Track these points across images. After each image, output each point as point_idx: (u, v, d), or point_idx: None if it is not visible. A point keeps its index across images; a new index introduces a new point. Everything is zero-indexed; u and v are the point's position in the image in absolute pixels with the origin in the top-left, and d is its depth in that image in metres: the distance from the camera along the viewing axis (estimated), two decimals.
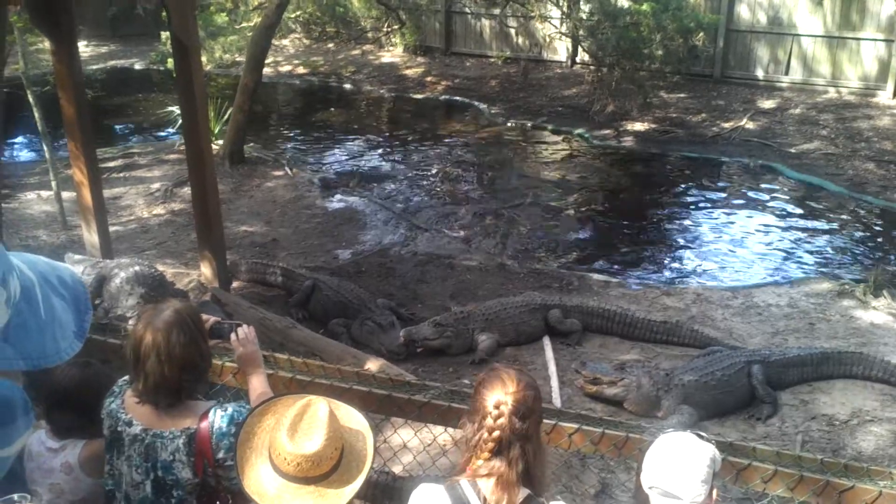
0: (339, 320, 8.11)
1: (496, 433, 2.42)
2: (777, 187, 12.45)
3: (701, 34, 14.46)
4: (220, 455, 2.65)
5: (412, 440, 4.20)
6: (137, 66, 19.32)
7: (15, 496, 2.47)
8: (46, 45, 9.27)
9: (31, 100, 9.89)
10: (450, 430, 3.66)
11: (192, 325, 2.73)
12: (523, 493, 2.46)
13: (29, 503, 2.43)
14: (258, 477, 2.43)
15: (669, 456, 2.63)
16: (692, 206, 12.03)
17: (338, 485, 2.41)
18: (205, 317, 2.98)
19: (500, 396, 2.45)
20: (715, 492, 2.63)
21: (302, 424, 2.40)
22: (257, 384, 3.03)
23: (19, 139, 14.30)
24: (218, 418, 2.68)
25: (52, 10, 7.28)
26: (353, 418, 2.62)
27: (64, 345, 0.94)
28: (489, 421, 2.44)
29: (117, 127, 15.61)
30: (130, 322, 4.46)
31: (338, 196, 11.81)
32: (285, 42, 20.66)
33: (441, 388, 3.65)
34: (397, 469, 4.47)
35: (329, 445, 2.39)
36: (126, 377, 2.85)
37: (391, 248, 10.09)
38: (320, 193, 11.80)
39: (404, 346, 7.62)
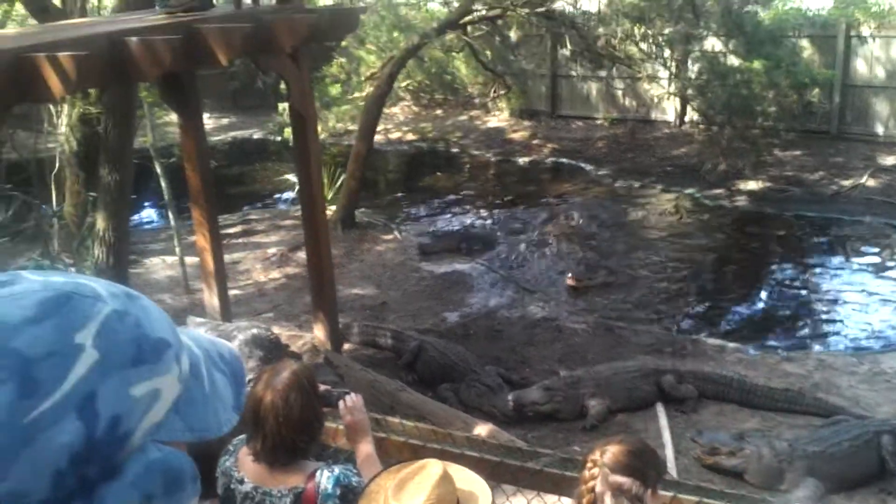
0: (447, 385, 8.12)
1: (590, 484, 2.48)
2: None
3: (816, 90, 14.09)
4: None
5: None
6: (256, 136, 20.24)
7: None
8: (173, 118, 9.84)
9: (158, 170, 10.49)
10: (564, 499, 3.58)
11: (308, 387, 2.79)
12: None
13: None
14: None
15: None
16: (811, 268, 11.55)
17: None
18: None
19: (597, 452, 2.53)
20: None
21: (410, 484, 2.45)
22: (364, 451, 3.05)
23: (147, 208, 15.16)
24: (324, 479, 2.71)
25: (180, 85, 7.76)
26: (474, 482, 2.64)
27: (224, 417, 0.98)
28: (584, 473, 2.51)
29: (237, 194, 16.34)
30: (249, 384, 4.59)
31: (444, 260, 11.91)
32: (395, 110, 21.27)
33: (554, 455, 3.58)
34: None
35: (441, 495, 2.43)
36: (241, 436, 2.92)
37: (498, 310, 10.09)
38: (418, 259, 11.92)
39: (514, 410, 7.55)
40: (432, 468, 2.51)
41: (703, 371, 7.91)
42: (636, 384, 7.78)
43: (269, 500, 2.73)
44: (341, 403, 3.05)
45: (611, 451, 2.48)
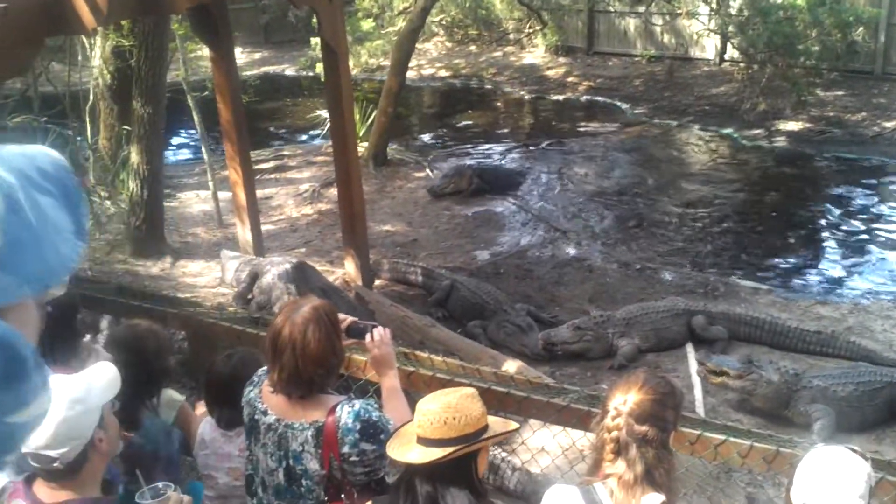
0: (476, 322, 8.16)
1: (613, 433, 2.45)
2: None
3: (861, 29, 13.63)
4: (345, 450, 2.70)
5: (550, 443, 4.17)
6: (288, 72, 20.13)
7: (160, 484, 2.63)
8: (205, 52, 9.80)
9: (190, 104, 10.50)
10: (589, 434, 3.61)
11: (328, 322, 2.80)
12: (654, 497, 2.40)
13: (173, 492, 2.58)
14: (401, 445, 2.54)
15: (824, 471, 2.49)
16: (849, 211, 11.33)
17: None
18: (342, 316, 3.06)
19: (619, 398, 2.48)
20: None
21: (439, 394, 2.57)
22: (389, 384, 3.08)
23: (180, 142, 15.23)
24: (345, 414, 2.73)
25: (211, 18, 7.71)
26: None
27: (66, 250, 0.79)
28: (607, 421, 2.47)
29: (269, 130, 16.34)
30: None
31: (473, 199, 11.82)
32: (428, 45, 20.99)
33: (580, 391, 3.61)
34: (535, 471, 4.46)
35: (459, 405, 2.47)
36: (264, 369, 2.96)
37: (529, 249, 10.06)
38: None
39: (544, 349, 7.58)
40: (464, 389, 2.60)
41: (734, 312, 7.86)
42: (666, 324, 7.76)
43: (290, 432, 2.78)
44: (368, 336, 3.07)
45: (633, 401, 2.44)
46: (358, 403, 2.78)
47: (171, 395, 3.67)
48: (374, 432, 2.72)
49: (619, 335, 7.67)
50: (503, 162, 13.68)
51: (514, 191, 12.10)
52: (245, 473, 3.00)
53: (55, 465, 2.28)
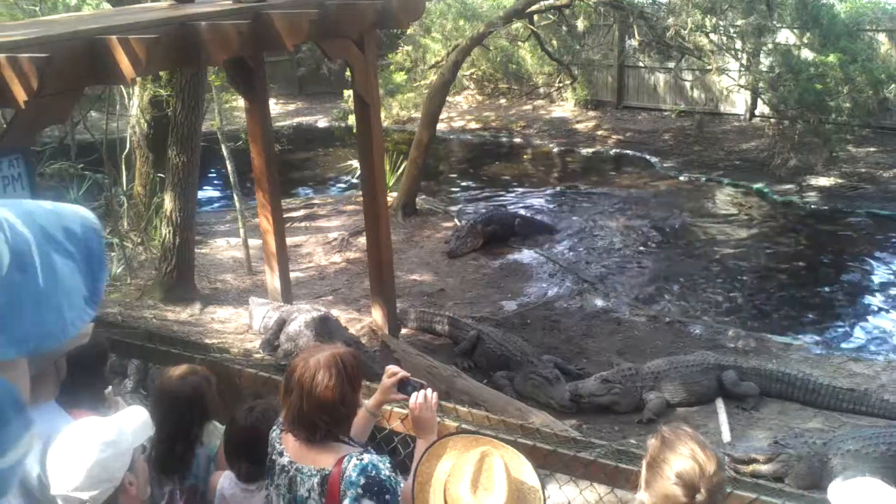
0: (503, 373, 8.11)
1: None
2: None
3: (893, 86, 13.57)
4: (346, 503, 2.63)
5: (577, 499, 4.09)
6: (321, 124, 20.44)
7: None
8: (241, 102, 10.00)
9: (224, 153, 10.69)
10: (617, 491, 3.55)
11: (343, 370, 2.75)
12: None
13: None
14: None
15: (860, 498, 2.41)
16: (882, 268, 11.18)
17: None
18: (395, 369, 3.03)
19: (694, 478, 2.29)
20: None
21: (482, 479, 2.42)
22: (424, 448, 3.02)
23: (213, 190, 15.47)
24: (351, 466, 2.67)
25: (247, 70, 7.89)
26: (525, 471, 2.62)
27: (71, 316, 0.76)
28: (681, 495, 2.29)
29: (300, 180, 16.54)
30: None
31: (503, 250, 11.84)
32: (459, 98, 21.26)
33: (608, 446, 3.55)
34: None
35: (509, 502, 2.41)
36: None
37: (556, 300, 10.02)
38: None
39: (571, 401, 7.50)
40: (495, 459, 2.51)
41: (765, 368, 7.74)
42: (696, 378, 7.65)
43: (299, 476, 2.76)
44: (414, 395, 3.02)
45: (710, 484, 2.27)
46: (367, 457, 2.70)
47: (215, 424, 3.69)
48: (379, 490, 2.62)
49: (647, 389, 7.57)
50: (531, 212, 13.69)
51: (542, 234, 12.23)
52: None
53: None
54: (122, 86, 10.42)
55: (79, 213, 0.84)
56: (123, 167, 11.19)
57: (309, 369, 2.73)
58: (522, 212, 13.34)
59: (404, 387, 3.05)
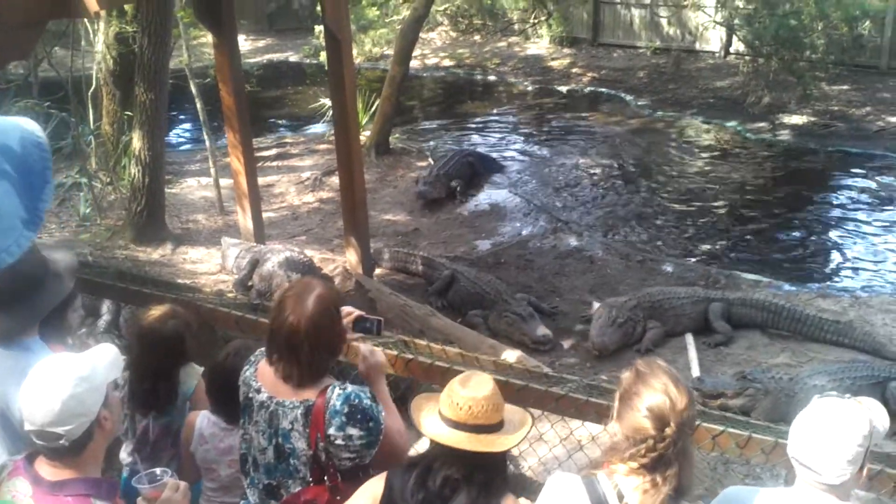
0: (477, 311, 8.16)
1: (659, 450, 2.29)
2: None
3: (867, 23, 13.57)
4: (331, 431, 2.69)
5: (548, 432, 4.16)
6: (292, 59, 20.07)
7: (157, 470, 2.63)
8: (209, 38, 9.78)
9: (193, 90, 10.48)
10: (587, 424, 3.60)
11: (330, 302, 2.81)
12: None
13: (170, 478, 2.59)
14: (433, 424, 2.51)
15: (817, 425, 2.43)
16: (852, 206, 11.31)
17: (502, 435, 2.50)
18: (348, 309, 3.05)
19: (665, 412, 2.30)
20: (866, 469, 2.42)
21: (472, 380, 2.54)
22: (379, 396, 2.96)
23: (182, 128, 15.20)
24: (335, 396, 2.72)
25: (215, 5, 7.68)
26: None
27: (6, 243, 0.69)
28: (651, 439, 2.29)
29: (272, 118, 16.29)
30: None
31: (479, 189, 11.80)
32: (432, 35, 20.93)
33: (579, 381, 3.59)
34: (532, 461, 4.46)
35: (497, 394, 2.51)
36: (262, 349, 2.95)
37: (530, 240, 10.05)
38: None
39: (547, 338, 7.58)
40: (482, 374, 2.63)
41: (752, 298, 7.86)
42: (685, 310, 7.77)
43: (281, 410, 2.78)
44: (363, 347, 3.05)
45: (681, 417, 2.29)
46: (350, 387, 2.77)
47: (192, 365, 3.69)
48: (363, 418, 2.69)
49: (645, 318, 7.70)
50: (502, 150, 13.63)
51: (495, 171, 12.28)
52: (240, 453, 3.00)
53: (61, 441, 2.27)
54: (86, 20, 10.13)
55: (19, 127, 0.76)
56: (90, 105, 10.94)
57: (300, 300, 2.75)
58: (481, 150, 13.26)
59: (360, 326, 3.07)
